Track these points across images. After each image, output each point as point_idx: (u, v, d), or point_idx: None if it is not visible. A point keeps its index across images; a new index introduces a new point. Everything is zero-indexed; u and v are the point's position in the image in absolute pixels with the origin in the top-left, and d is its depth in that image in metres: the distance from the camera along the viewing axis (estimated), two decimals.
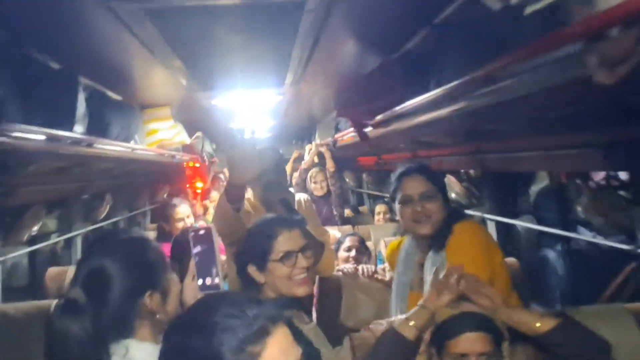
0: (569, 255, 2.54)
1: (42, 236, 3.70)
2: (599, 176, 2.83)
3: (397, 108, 2.14)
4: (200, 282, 1.37)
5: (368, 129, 2.58)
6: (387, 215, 4.37)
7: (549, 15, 1.20)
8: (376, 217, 4.52)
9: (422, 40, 2.06)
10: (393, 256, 2.05)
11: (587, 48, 0.95)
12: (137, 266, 1.22)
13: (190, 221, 3.17)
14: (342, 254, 2.99)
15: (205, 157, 5.10)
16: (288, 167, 5.15)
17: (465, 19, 1.81)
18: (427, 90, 1.93)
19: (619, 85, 0.99)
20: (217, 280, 1.36)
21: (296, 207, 2.42)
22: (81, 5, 1.55)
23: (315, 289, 2.65)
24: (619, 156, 1.96)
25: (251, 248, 1.66)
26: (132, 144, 2.88)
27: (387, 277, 2.42)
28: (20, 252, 3.27)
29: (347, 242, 3.02)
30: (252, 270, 1.63)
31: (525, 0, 1.21)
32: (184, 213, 3.12)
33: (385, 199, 5.36)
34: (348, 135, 3.18)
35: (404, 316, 1.52)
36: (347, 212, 4.75)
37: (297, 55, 2.20)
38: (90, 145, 2.13)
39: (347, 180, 6.04)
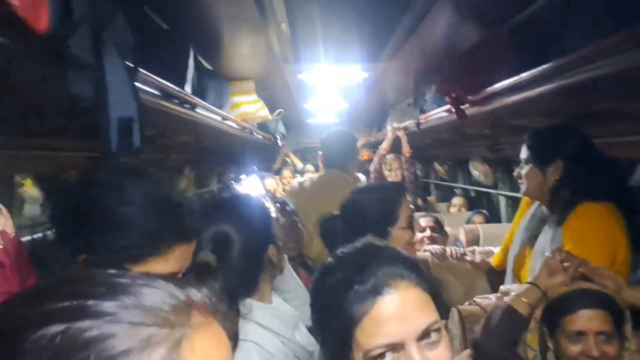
0: None
1: None
2: None
3: (506, 82, 2.03)
4: None
5: (465, 106, 2.48)
6: (464, 209, 4.27)
7: None
8: (452, 209, 4.42)
9: (543, 8, 1.94)
10: (525, 207, 2.04)
11: None
12: (257, 224, 1.27)
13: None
14: (416, 235, 2.92)
15: (278, 137, 5.12)
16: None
17: None
18: (543, 63, 1.83)
19: None
20: None
21: None
22: None
23: None
24: None
25: (375, 215, 1.64)
26: (223, 114, 2.92)
27: (478, 259, 2.35)
28: None
29: (422, 223, 2.97)
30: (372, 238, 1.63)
31: None
32: (271, 185, 3.24)
33: (457, 191, 5.23)
34: (437, 115, 3.08)
35: (514, 293, 1.48)
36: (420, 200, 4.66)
37: (403, 25, 2.13)
38: (193, 107, 2.16)
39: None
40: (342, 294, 0.83)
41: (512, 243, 2.02)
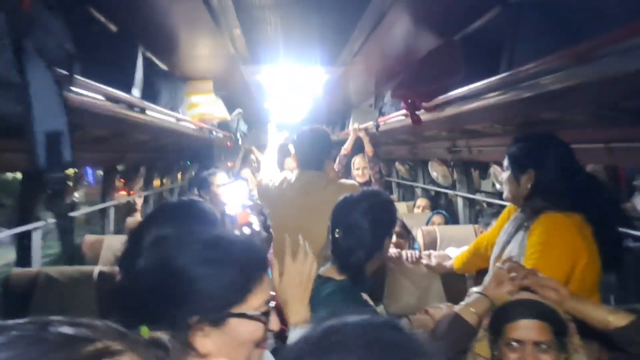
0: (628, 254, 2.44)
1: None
2: None
3: (459, 91, 2.06)
4: None
5: (420, 112, 2.50)
6: (427, 210, 4.33)
7: None
8: (416, 209, 4.48)
9: (491, 20, 1.97)
10: (508, 214, 2.06)
11: None
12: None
13: None
14: None
15: (239, 136, 5.06)
16: None
17: None
18: (494, 73, 1.87)
19: None
20: None
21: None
22: None
23: None
24: None
25: (391, 221, 1.73)
26: (177, 115, 2.85)
27: (433, 263, 2.36)
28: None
29: None
30: (387, 243, 1.71)
31: None
32: (223, 181, 3.14)
33: (418, 191, 5.28)
34: (395, 119, 3.10)
35: (464, 302, 1.51)
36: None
37: (360, 30, 2.12)
38: (142, 111, 2.10)
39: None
40: None
41: (495, 244, 2.01)
